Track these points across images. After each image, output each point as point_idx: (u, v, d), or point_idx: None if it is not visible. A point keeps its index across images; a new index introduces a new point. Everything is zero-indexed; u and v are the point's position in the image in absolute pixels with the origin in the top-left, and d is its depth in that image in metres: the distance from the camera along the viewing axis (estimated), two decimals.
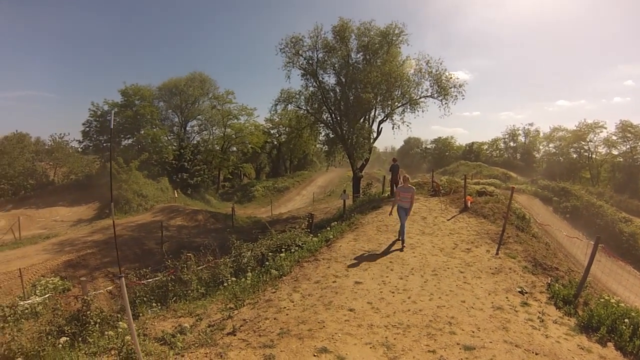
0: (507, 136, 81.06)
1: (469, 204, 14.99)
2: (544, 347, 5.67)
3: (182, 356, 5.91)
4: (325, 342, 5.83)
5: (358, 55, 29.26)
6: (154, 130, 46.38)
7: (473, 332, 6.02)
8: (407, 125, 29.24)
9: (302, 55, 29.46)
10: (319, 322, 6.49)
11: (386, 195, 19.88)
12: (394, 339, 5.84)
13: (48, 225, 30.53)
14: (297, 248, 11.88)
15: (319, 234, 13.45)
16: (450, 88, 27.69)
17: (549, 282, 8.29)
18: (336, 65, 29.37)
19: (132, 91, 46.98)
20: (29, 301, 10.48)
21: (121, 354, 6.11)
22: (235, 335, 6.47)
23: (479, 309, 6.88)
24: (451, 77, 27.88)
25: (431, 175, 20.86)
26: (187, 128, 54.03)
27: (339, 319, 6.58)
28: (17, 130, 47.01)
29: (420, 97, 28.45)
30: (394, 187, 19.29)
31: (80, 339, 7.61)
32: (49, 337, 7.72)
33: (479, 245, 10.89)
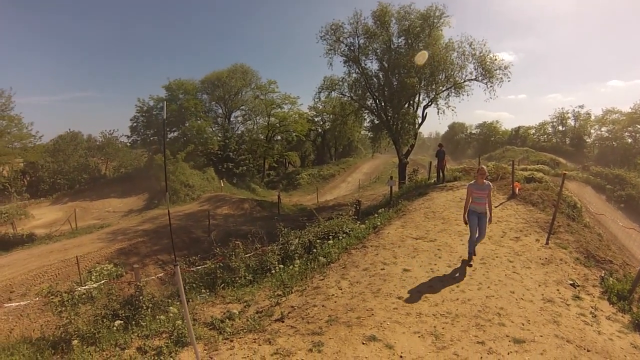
0: (555, 120, 76.04)
1: (517, 191, 14.47)
2: (596, 345, 5.49)
3: (231, 341, 6.06)
4: (373, 330, 5.86)
5: (400, 40, 28.79)
6: (199, 122, 47.63)
7: (523, 324, 5.90)
8: (452, 110, 28.58)
9: (343, 42, 29.32)
10: (367, 310, 6.51)
11: (432, 181, 19.57)
12: (443, 328, 5.82)
13: (101, 215, 32.40)
14: (344, 235, 11.83)
15: (366, 221, 13.39)
16: (495, 70, 26.61)
17: (603, 275, 7.96)
18: (378, 50, 29.02)
19: (175, 86, 48.56)
20: (86, 286, 10.78)
21: (172, 337, 6.33)
22: (283, 322, 6.58)
23: (528, 300, 6.71)
24: (496, 59, 26.80)
25: (477, 161, 20.26)
26: (231, 119, 55.01)
27: (387, 307, 6.59)
28: (70, 129, 50.69)
29: (464, 81, 27.63)
30: (440, 174, 19.00)
31: (133, 322, 7.80)
32: (104, 321, 7.88)
33: (528, 234, 10.52)
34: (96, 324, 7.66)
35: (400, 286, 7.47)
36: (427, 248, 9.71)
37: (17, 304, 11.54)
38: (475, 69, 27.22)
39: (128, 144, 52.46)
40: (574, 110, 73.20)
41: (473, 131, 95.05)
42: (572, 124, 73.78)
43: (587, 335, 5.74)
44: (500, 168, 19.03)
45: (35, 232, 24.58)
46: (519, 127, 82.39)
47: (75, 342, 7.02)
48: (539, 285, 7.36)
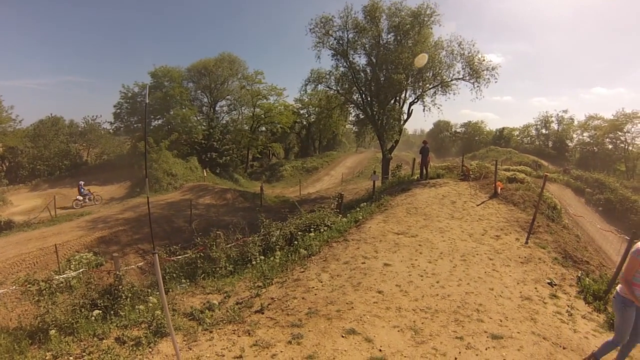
0: (539, 123, 76.99)
1: (499, 190, 14.70)
2: (572, 342, 5.60)
3: (211, 332, 6.02)
4: (353, 323, 5.87)
5: (389, 36, 28.71)
6: (184, 110, 46.80)
7: (501, 320, 5.98)
8: (438, 108, 28.92)
9: (332, 36, 29.09)
10: (347, 303, 6.52)
11: (415, 178, 19.68)
12: (422, 323, 5.85)
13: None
14: (326, 228, 11.80)
15: (348, 215, 13.41)
16: (483, 71, 26.75)
17: (579, 275, 8.11)
18: (367, 45, 28.92)
19: (161, 73, 47.46)
20: (64, 275, 10.58)
21: (151, 328, 6.26)
22: (263, 313, 6.55)
23: (507, 297, 6.81)
24: (484, 60, 26.92)
25: (461, 160, 20.47)
26: (217, 108, 54.07)
27: (367, 301, 6.61)
28: (52, 114, 48.70)
29: (451, 80, 27.70)
30: (424, 170, 19.12)
31: (112, 312, 7.72)
32: (82, 310, 7.78)
33: (509, 232, 10.70)
34: (74, 314, 7.57)
35: (380, 280, 7.49)
36: (408, 243, 9.77)
37: None
38: (462, 69, 27.40)
39: (111, 131, 51.17)
40: (557, 114, 74.42)
41: (458, 130, 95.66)
42: (556, 127, 75.11)
43: (563, 333, 5.84)
44: (484, 167, 19.29)
45: (13, 219, 23.99)
46: (503, 128, 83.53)
47: (52, 332, 6.93)
48: (518, 283, 7.47)
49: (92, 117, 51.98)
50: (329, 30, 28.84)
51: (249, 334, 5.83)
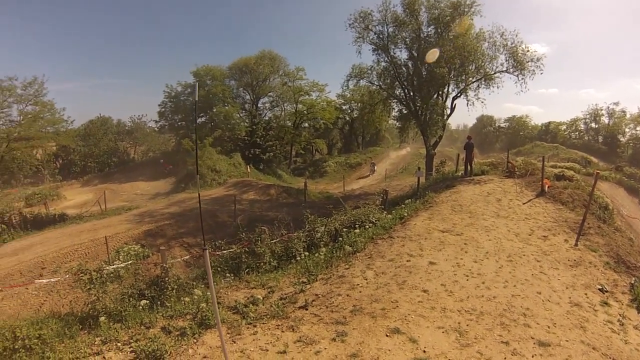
0: (587, 116, 72.25)
1: (546, 188, 14.03)
2: (622, 354, 5.35)
3: (255, 326, 6.15)
4: (398, 322, 5.84)
5: (429, 29, 27.92)
6: (226, 107, 47.31)
7: (548, 327, 5.80)
8: (482, 102, 27.53)
9: (372, 30, 28.64)
10: (392, 302, 6.50)
11: (459, 174, 19.18)
12: (467, 325, 5.77)
13: (130, 198, 32.57)
14: (371, 225, 11.69)
15: (393, 211, 13.23)
16: (527, 62, 25.49)
17: (633, 282, 7.64)
18: (407, 39, 28.29)
19: (203, 72, 48.20)
20: (114, 266, 10.88)
21: (196, 319, 6.48)
22: (307, 309, 6.62)
23: (555, 302, 6.58)
24: (528, 50, 25.64)
25: (506, 155, 19.70)
26: (259, 105, 54.19)
27: (412, 300, 6.56)
28: (100, 114, 51.89)
29: (495, 72, 26.58)
30: (468, 166, 18.64)
31: (158, 302, 7.86)
32: (131, 299, 7.98)
33: (557, 233, 10.24)
34: (123, 302, 7.82)
35: (425, 279, 7.42)
36: (453, 242, 9.59)
37: (47, 280, 11.84)
38: (506, 60, 26.21)
39: (156, 129, 52.99)
40: (608, 107, 69.59)
41: (502, 125, 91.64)
42: (606, 121, 70.14)
43: (613, 343, 5.59)
44: (530, 164, 18.42)
45: (66, 213, 24.85)
46: (549, 123, 79.25)
47: (102, 318, 7.22)
48: (567, 288, 7.20)
49: (138, 116, 54.90)
50: (369, 24, 28.43)
51: (293, 329, 5.91)
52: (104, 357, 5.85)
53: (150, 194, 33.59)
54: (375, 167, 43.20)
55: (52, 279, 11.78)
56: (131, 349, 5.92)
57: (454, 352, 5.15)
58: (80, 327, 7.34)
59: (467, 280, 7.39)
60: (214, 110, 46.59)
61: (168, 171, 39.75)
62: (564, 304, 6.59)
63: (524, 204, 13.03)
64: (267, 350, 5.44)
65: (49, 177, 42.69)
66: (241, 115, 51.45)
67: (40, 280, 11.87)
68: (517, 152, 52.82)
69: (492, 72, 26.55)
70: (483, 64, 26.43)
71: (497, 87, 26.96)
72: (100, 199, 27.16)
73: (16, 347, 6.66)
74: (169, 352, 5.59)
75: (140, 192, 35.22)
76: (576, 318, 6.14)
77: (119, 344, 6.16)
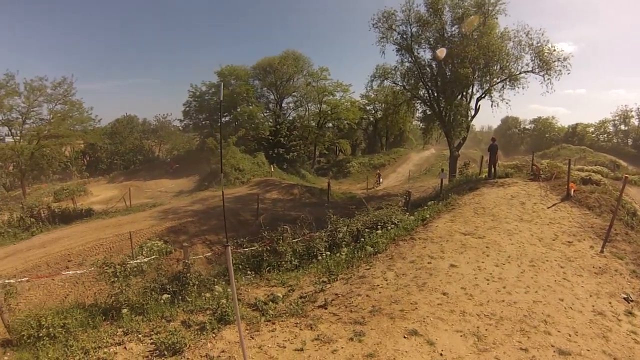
0: (617, 118, 69.25)
1: (572, 192, 13.59)
2: None
3: (273, 323, 6.19)
4: (416, 324, 5.78)
5: (453, 29, 27.21)
6: (250, 107, 47.31)
7: (570, 335, 5.63)
8: (506, 103, 26.66)
9: (395, 30, 28.09)
10: (411, 303, 6.44)
11: (483, 176, 18.77)
12: (486, 329, 5.66)
13: (154, 195, 32.97)
14: (393, 226, 11.62)
15: (415, 213, 13.13)
16: (554, 62, 24.45)
17: None
18: (431, 39, 27.66)
19: (227, 72, 48.47)
20: (137, 260, 10.86)
21: (216, 315, 6.57)
22: (326, 308, 6.62)
23: (578, 310, 6.38)
24: (554, 50, 24.58)
25: (531, 158, 19.17)
26: (283, 105, 54.02)
27: (431, 302, 6.49)
28: (126, 113, 53.42)
29: (520, 73, 25.67)
30: (492, 169, 18.24)
31: (179, 297, 8.00)
32: (153, 293, 8.16)
33: (582, 239, 9.91)
34: (145, 296, 8.07)
35: (446, 282, 7.33)
36: (475, 245, 9.42)
37: (73, 272, 12.06)
38: (531, 60, 25.22)
39: (181, 128, 53.92)
40: (638, 108, 66.46)
41: (527, 126, 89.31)
42: (636, 123, 67.03)
43: (636, 355, 5.36)
44: (555, 167, 17.91)
45: (93, 208, 25.24)
46: (576, 125, 76.24)
47: (124, 310, 7.46)
48: (590, 296, 6.97)
49: (163, 115, 56.08)
50: (392, 24, 27.90)
51: (311, 327, 5.93)
52: (125, 348, 6.02)
53: (174, 191, 34.03)
54: (381, 179, 41.80)
55: (77, 271, 12.01)
56: (151, 340, 6.08)
57: (471, 357, 5.07)
58: (104, 318, 7.62)
59: (488, 284, 7.25)
60: (238, 109, 46.77)
61: (173, 170, 40.39)
62: (586, 312, 6.38)
63: (548, 208, 12.69)
64: (285, 347, 5.49)
65: (76, 174, 44.28)
66: (265, 114, 51.47)
67: (67, 272, 12.14)
68: (542, 155, 51.14)
69: (517, 73, 25.69)
70: (508, 64, 25.58)
71: (522, 88, 26.07)
72: (125, 195, 27.56)
73: (40, 334, 6.99)
74: (188, 346, 5.72)
75: (164, 189, 35.75)
76: (599, 327, 5.94)
77: (140, 336, 6.33)
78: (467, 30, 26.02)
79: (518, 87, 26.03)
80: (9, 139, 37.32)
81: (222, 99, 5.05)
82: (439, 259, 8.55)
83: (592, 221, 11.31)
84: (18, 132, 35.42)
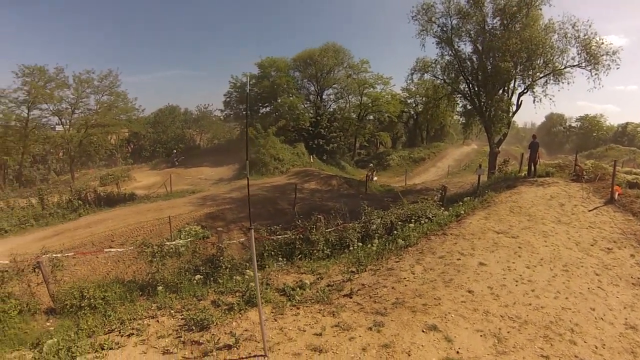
0: None
1: (616, 196, 12.50)
2: None
3: (298, 308, 6.30)
4: (437, 319, 5.68)
5: (494, 21, 25.37)
6: (290, 98, 46.68)
7: (596, 347, 5.24)
8: (550, 99, 24.53)
9: (435, 23, 26.60)
10: (435, 299, 6.33)
11: (522, 174, 17.75)
12: (508, 332, 5.42)
13: (194, 182, 32.90)
14: (426, 220, 11.41)
15: (450, 208, 12.79)
16: (602, 55, 22.16)
17: None
18: (472, 32, 25.96)
19: (267, 63, 47.99)
20: (174, 242, 11.28)
21: (244, 297, 6.75)
22: (351, 297, 6.62)
23: (608, 322, 5.92)
24: (602, 43, 22.32)
25: (574, 158, 17.90)
26: (324, 96, 53.05)
27: (455, 299, 6.34)
28: (169, 104, 54.49)
29: (565, 67, 23.48)
30: (532, 167, 17.26)
31: (211, 278, 8.22)
32: (187, 274, 8.55)
33: (623, 246, 9.14)
34: (179, 276, 8.49)
35: (473, 279, 7.11)
36: (507, 244, 9.03)
37: (115, 250, 12.51)
38: (578, 54, 23.00)
39: (221, 118, 54.31)
40: None
41: (573, 124, 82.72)
42: None
43: None
44: (600, 168, 16.57)
45: (135, 193, 25.80)
46: (627, 124, 69.58)
47: (160, 288, 7.88)
48: (624, 308, 6.43)
49: (204, 105, 56.75)
50: (432, 17, 26.47)
51: (333, 315, 5.97)
52: (157, 321, 6.32)
53: (214, 179, 34.11)
54: (375, 177, 38.03)
55: (119, 250, 12.44)
56: (182, 316, 6.36)
57: (488, 358, 4.88)
58: (140, 293, 8.12)
59: (516, 285, 6.93)
60: (279, 100, 46.40)
61: (179, 162, 40.64)
62: (618, 324, 5.90)
63: (589, 211, 11.83)
64: (305, 331, 5.59)
65: (121, 160, 46.44)
66: (306, 106, 50.81)
67: (109, 250, 12.57)
68: (588, 155, 47.37)
69: (562, 67, 23.54)
70: (552, 57, 23.42)
71: (568, 83, 23.87)
72: (166, 181, 27.88)
73: (82, 304, 7.63)
74: (215, 323, 5.94)
75: (204, 176, 35.69)
76: (629, 342, 5.47)
77: (172, 311, 6.63)
78: (509, 23, 24.31)
79: (563, 83, 23.90)
80: (59, 128, 39.16)
81: (247, 89, 5.06)
82: (469, 256, 8.28)
83: (636, 228, 10.35)
84: (67, 121, 37.58)
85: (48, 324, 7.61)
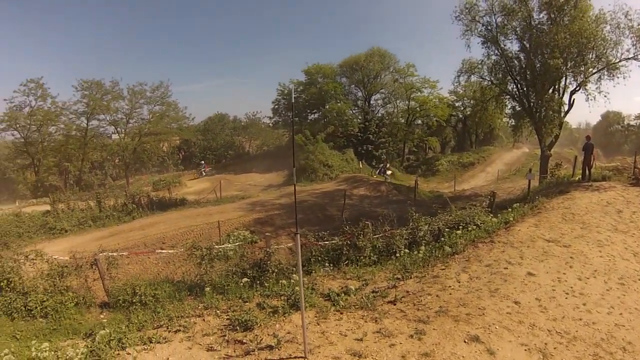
0: None
1: None
2: None
3: (341, 313, 6.35)
4: (479, 330, 5.51)
5: (541, 15, 23.90)
6: (338, 104, 46.21)
7: None
8: (605, 96, 22.62)
9: (479, 22, 25.43)
10: (479, 308, 6.17)
11: (576, 179, 16.54)
12: (555, 348, 5.18)
13: (243, 188, 32.97)
14: (474, 227, 11.07)
15: (499, 215, 12.37)
16: None
17: None
18: (517, 29, 24.59)
19: (314, 70, 48.00)
20: (223, 246, 11.43)
21: (289, 300, 6.87)
22: (395, 304, 6.59)
23: None
24: None
25: (634, 159, 16.45)
26: (371, 102, 52.26)
27: (500, 310, 6.13)
28: (218, 111, 55.81)
29: (620, 60, 21.62)
30: (586, 170, 16.11)
31: (258, 282, 8.33)
32: (234, 277, 8.65)
33: None
34: (227, 278, 8.75)
35: (520, 290, 6.83)
36: (558, 253, 8.57)
37: (166, 252, 12.87)
38: (633, 45, 21.13)
39: (270, 125, 54.87)
40: None
41: (632, 122, 74.65)
42: None
43: None
44: None
45: (186, 198, 25.92)
46: None
47: (207, 289, 8.18)
48: None
49: (253, 113, 57.46)
50: (475, 16, 25.30)
51: (376, 321, 5.99)
52: (204, 320, 6.64)
53: (263, 185, 34.10)
54: (388, 171, 36.08)
55: (170, 251, 12.78)
56: (227, 316, 6.63)
57: None
58: (188, 293, 8.49)
59: (566, 298, 6.58)
60: (327, 106, 46.27)
61: (206, 173, 40.44)
62: None
63: None
64: (346, 336, 5.64)
65: (172, 167, 48.12)
66: (354, 111, 50.31)
67: (161, 252, 12.98)
68: None
69: (616, 60, 21.65)
70: (605, 50, 21.61)
71: (624, 78, 21.83)
72: (216, 187, 27.79)
73: (134, 300, 8.18)
74: (259, 324, 6.15)
75: (253, 183, 35.70)
76: None
77: (218, 311, 6.90)
78: (557, 16, 22.77)
79: (618, 77, 21.93)
80: (115, 137, 40.93)
81: (292, 97, 5.28)
82: (517, 265, 7.97)
83: None
84: (123, 130, 39.96)
85: (101, 316, 8.19)
